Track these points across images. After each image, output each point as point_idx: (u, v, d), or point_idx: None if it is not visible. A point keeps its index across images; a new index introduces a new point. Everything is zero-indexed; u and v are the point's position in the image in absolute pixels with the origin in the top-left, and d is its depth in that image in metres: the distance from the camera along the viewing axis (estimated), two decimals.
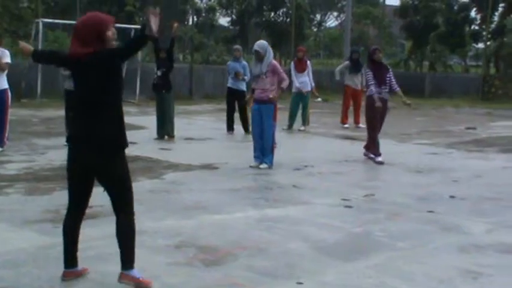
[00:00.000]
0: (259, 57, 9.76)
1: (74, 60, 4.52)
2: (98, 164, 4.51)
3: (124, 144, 4.58)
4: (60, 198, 7.14)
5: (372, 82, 10.72)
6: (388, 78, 10.82)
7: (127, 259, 4.62)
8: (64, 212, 6.53)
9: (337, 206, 7.52)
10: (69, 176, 4.66)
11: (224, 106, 15.07)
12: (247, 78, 13.74)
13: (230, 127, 14.34)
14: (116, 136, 4.52)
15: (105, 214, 6.19)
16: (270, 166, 9.87)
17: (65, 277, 4.74)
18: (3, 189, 7.77)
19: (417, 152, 12.19)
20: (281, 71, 9.94)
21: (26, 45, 4.78)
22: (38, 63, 19.50)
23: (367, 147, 11.06)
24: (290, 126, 15.22)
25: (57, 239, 5.66)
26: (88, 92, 4.50)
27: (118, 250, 4.68)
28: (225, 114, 14.63)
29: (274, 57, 10.22)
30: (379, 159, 10.72)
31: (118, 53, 4.53)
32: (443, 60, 36.36)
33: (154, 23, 4.27)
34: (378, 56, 10.91)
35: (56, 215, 6.52)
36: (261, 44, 9.99)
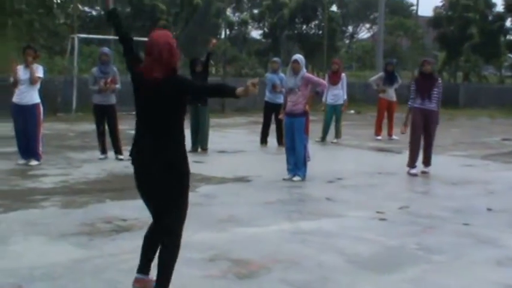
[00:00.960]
0: (296, 69, 9.78)
1: (147, 79, 4.45)
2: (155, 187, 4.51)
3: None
4: (95, 212, 7.24)
5: (412, 95, 10.70)
6: (435, 92, 10.61)
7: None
8: (99, 225, 6.67)
9: (371, 218, 7.47)
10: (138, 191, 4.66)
11: (256, 119, 15.10)
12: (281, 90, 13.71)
13: (264, 140, 14.35)
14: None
15: (139, 227, 6.22)
16: (303, 179, 9.85)
17: (135, 284, 4.73)
18: (40, 202, 7.86)
19: (452, 164, 12.06)
20: (315, 78, 10.03)
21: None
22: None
23: (425, 162, 10.94)
24: (323, 139, 15.18)
25: (93, 252, 5.74)
26: (154, 114, 4.47)
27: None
28: (257, 126, 14.62)
29: (307, 70, 10.23)
30: (413, 171, 10.65)
31: (196, 90, 4.62)
32: (478, 70, 36.05)
33: (248, 92, 4.33)
34: (426, 67, 10.75)
35: (92, 228, 6.59)
36: (300, 56, 10.09)
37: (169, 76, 4.41)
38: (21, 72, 10.44)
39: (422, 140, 10.81)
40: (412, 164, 10.72)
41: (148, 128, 4.49)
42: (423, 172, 10.74)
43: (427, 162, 10.86)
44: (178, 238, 4.62)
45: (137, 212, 6.60)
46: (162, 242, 4.58)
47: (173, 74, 4.44)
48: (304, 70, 9.88)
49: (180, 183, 4.55)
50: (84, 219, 6.99)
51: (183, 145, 4.59)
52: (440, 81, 10.77)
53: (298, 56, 10.05)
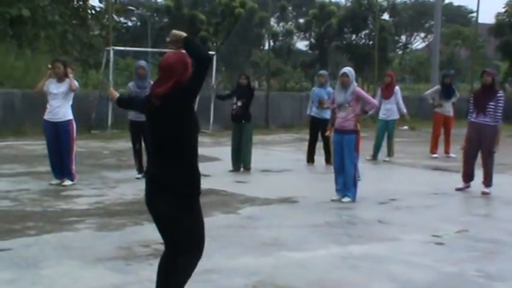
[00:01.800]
0: (346, 83, 9.79)
1: (151, 98, 4.66)
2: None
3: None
4: (132, 235, 7.34)
5: (470, 109, 10.68)
6: (491, 106, 10.54)
7: None
8: (136, 249, 6.77)
9: (427, 242, 7.42)
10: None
11: (303, 136, 15.12)
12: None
13: (311, 158, 14.36)
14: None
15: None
16: (353, 200, 9.83)
17: None
18: (74, 224, 7.99)
19: None
20: (366, 95, 10.01)
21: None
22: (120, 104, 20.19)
23: (484, 182, 10.88)
24: (375, 156, 15.11)
25: (130, 278, 5.83)
26: (158, 135, 4.63)
27: None
28: (304, 144, 14.64)
29: (356, 83, 10.23)
30: (460, 186, 10.81)
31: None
32: None
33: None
34: (486, 79, 10.70)
35: (129, 252, 6.68)
36: (349, 69, 10.09)
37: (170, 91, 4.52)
38: (53, 86, 10.65)
39: (478, 157, 10.77)
40: (463, 179, 10.77)
41: (155, 151, 4.65)
42: (483, 193, 10.63)
43: (486, 181, 10.76)
44: (194, 258, 4.75)
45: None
46: (175, 262, 4.67)
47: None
48: (355, 84, 9.89)
49: (185, 204, 4.62)
50: (120, 242, 7.09)
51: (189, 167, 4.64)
52: (501, 94, 10.63)
53: (348, 69, 10.05)
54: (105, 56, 21.83)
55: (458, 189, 10.81)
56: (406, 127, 24.45)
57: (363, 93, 10.04)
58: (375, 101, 10.30)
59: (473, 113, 10.62)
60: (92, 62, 28.37)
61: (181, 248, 4.68)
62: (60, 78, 10.68)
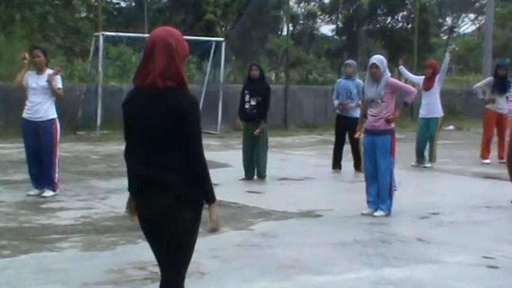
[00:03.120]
0: (377, 75, 9.76)
1: (139, 89, 4.63)
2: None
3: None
4: (125, 255, 7.37)
5: None
6: None
7: None
8: (130, 272, 6.79)
9: (476, 265, 7.41)
10: None
11: (327, 137, 15.12)
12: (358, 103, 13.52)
13: (337, 164, 14.31)
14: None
15: None
16: (388, 214, 9.83)
17: None
18: (56, 243, 8.02)
19: None
20: (403, 85, 9.96)
21: None
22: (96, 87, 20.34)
23: None
24: (420, 162, 15.10)
25: None
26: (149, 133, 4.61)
27: None
28: (329, 147, 14.62)
29: (392, 75, 10.20)
30: None
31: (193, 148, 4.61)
32: None
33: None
34: None
35: (120, 276, 6.72)
36: (379, 58, 9.98)
37: (175, 87, 4.49)
38: (32, 79, 10.69)
39: None
40: None
41: (145, 153, 4.60)
42: None
43: None
44: (181, 284, 4.72)
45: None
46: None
47: (180, 86, 4.52)
48: (388, 74, 9.86)
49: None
50: (110, 264, 7.11)
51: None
52: None
53: (377, 58, 9.95)
54: (93, 43, 21.92)
55: None
56: (451, 127, 24.46)
57: (399, 83, 9.99)
58: (415, 90, 10.24)
59: None
60: (78, 50, 28.45)
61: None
62: (41, 70, 10.73)
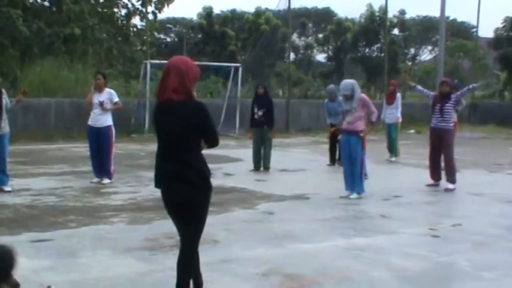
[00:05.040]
0: (348, 97, 9.71)
1: (162, 102, 4.62)
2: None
3: None
4: (159, 228, 7.34)
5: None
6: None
7: None
8: (162, 240, 6.76)
9: (424, 235, 7.34)
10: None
11: (319, 139, 15.01)
12: None
13: (332, 160, 14.14)
14: None
15: (200, 242, 6.27)
16: (360, 196, 9.75)
17: None
18: (109, 218, 8.03)
19: (508, 182, 11.74)
20: (370, 104, 9.81)
21: None
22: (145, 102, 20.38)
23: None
24: (392, 155, 15.01)
25: (154, 266, 5.85)
26: (172, 137, 4.62)
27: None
28: (319, 146, 14.55)
29: (369, 90, 10.09)
30: (430, 182, 10.91)
31: (212, 134, 4.64)
32: None
33: None
34: (444, 88, 10.91)
35: (155, 243, 6.69)
36: (346, 86, 9.78)
37: (186, 99, 4.49)
38: (95, 96, 10.73)
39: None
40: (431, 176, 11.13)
41: (169, 152, 4.59)
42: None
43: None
44: (197, 249, 4.74)
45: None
46: (184, 252, 4.66)
47: (189, 98, 4.52)
48: (359, 92, 9.80)
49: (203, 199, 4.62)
50: (148, 234, 7.10)
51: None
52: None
53: (344, 88, 9.74)
54: (142, 69, 21.99)
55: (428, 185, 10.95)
56: (413, 131, 24.29)
57: (368, 101, 9.82)
58: (376, 112, 10.08)
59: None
60: (134, 74, 28.55)
61: (194, 240, 4.69)
62: (100, 89, 10.74)
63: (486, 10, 39.47)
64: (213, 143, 4.66)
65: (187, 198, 4.52)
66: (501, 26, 36.11)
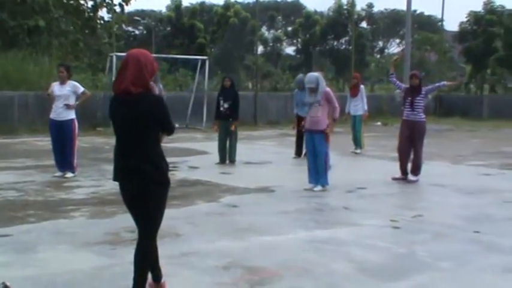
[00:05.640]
0: (312, 90, 9.69)
1: (119, 94, 4.53)
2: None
3: None
4: (121, 221, 7.26)
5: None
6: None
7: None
8: (123, 234, 6.70)
9: (385, 227, 7.37)
10: None
11: (286, 131, 15.00)
12: None
13: (298, 152, 14.17)
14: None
15: (161, 236, 6.19)
16: (324, 188, 9.75)
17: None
18: (70, 212, 7.93)
19: (470, 173, 11.86)
20: (334, 99, 9.75)
21: None
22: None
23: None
24: (359, 147, 15.08)
25: (114, 261, 5.77)
26: (131, 130, 4.54)
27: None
28: (286, 138, 14.52)
29: (337, 83, 10.08)
30: (397, 176, 10.89)
31: (168, 125, 4.60)
32: (504, 83, 35.54)
33: None
34: (414, 81, 10.94)
35: (115, 238, 6.62)
36: (310, 79, 9.77)
37: (144, 92, 4.43)
38: (56, 88, 10.57)
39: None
40: (400, 171, 11.04)
41: (127, 146, 4.52)
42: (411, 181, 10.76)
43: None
44: (155, 242, 4.70)
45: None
46: (141, 246, 4.63)
47: (147, 91, 4.46)
48: (324, 85, 9.78)
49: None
50: (109, 228, 7.03)
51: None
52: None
53: (309, 81, 9.74)
54: (108, 61, 21.80)
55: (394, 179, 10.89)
56: (379, 123, 24.44)
57: (331, 95, 9.75)
58: (338, 106, 10.01)
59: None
60: (101, 67, 28.26)
61: (152, 233, 4.66)
62: (63, 81, 10.60)
63: (452, 4, 39.87)
64: (169, 133, 4.66)
65: (143, 190, 4.49)
66: (465, 20, 36.60)
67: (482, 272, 5.64)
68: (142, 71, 4.44)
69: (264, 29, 50.63)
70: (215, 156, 12.99)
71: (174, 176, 10.72)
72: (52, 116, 10.69)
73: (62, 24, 26.65)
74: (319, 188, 9.75)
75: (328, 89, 9.90)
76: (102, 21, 29.59)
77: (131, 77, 4.42)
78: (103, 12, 29.04)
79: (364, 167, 13.27)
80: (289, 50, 53.47)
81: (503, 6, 36.07)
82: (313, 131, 9.72)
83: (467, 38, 36.05)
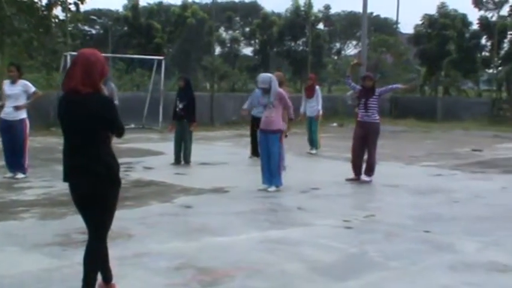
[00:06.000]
0: (266, 91, 9.73)
1: (67, 92, 4.49)
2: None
3: None
4: (72, 223, 7.16)
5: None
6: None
7: None
8: (74, 236, 6.61)
9: (337, 227, 7.43)
10: None
11: (242, 132, 14.99)
12: None
13: (255, 152, 14.09)
14: None
15: (112, 237, 6.13)
16: (278, 188, 9.79)
17: None
18: (20, 214, 7.80)
19: (422, 174, 12.04)
20: (287, 99, 9.80)
21: None
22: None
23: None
24: (314, 148, 15.14)
25: (63, 262, 5.70)
26: (79, 129, 4.51)
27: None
28: (242, 139, 14.49)
29: (294, 84, 10.13)
30: (350, 177, 10.94)
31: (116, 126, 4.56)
32: (457, 85, 36.16)
33: None
34: (367, 83, 11.04)
35: (65, 239, 6.54)
36: (263, 79, 9.79)
37: (93, 93, 4.41)
38: (7, 87, 10.38)
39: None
40: (354, 172, 11.11)
41: (76, 146, 4.49)
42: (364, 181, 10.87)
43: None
44: (105, 243, 4.70)
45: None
46: (91, 246, 4.61)
47: (96, 91, 4.43)
48: (276, 86, 9.80)
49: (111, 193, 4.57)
50: (59, 230, 6.94)
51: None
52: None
53: (262, 81, 9.75)
54: (63, 61, 21.53)
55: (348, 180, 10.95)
56: (335, 124, 24.62)
57: (284, 96, 9.79)
58: (291, 105, 10.04)
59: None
60: (55, 66, 27.81)
61: (102, 233, 4.63)
62: (14, 81, 10.42)
63: (406, 7, 40.45)
64: (119, 134, 4.61)
65: (93, 190, 4.47)
66: (420, 23, 37.20)
67: (430, 270, 5.75)
68: (92, 71, 4.41)
69: (221, 30, 50.56)
70: (170, 157, 12.92)
71: (128, 176, 10.65)
72: (2, 115, 10.48)
73: (15, 22, 26.14)
74: (273, 188, 9.79)
75: (280, 89, 9.92)
76: (57, 20, 29.12)
77: (80, 76, 4.39)
78: (58, 11, 28.57)
79: (318, 167, 13.36)
80: (247, 50, 53.45)
81: (456, 10, 36.76)
82: (267, 131, 9.76)
83: (422, 41, 36.61)
